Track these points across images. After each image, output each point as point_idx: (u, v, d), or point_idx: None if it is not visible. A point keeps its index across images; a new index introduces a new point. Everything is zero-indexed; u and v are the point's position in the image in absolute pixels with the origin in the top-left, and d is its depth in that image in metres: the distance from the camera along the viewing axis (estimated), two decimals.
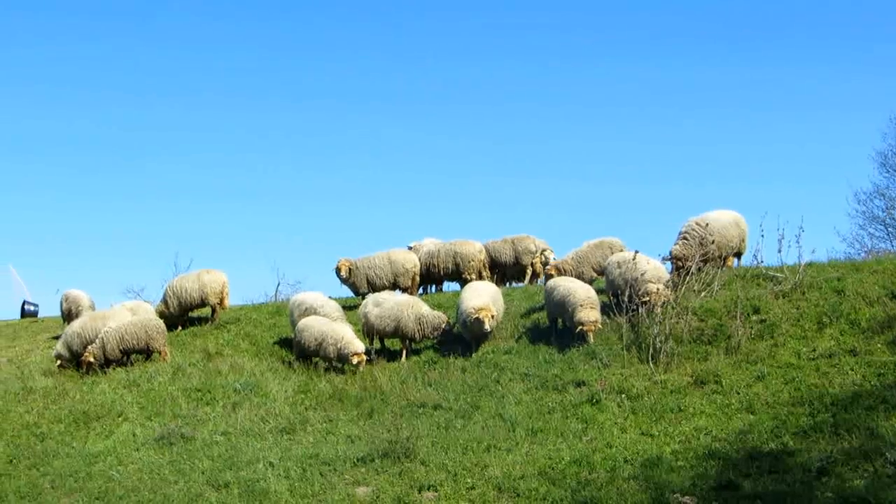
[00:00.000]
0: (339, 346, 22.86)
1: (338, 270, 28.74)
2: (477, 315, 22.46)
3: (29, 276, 44.53)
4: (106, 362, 25.27)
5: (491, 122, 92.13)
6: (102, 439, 21.04)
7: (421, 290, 29.79)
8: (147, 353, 25.59)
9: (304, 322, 24.18)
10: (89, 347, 25.44)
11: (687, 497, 14.23)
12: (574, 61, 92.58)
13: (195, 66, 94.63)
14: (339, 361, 22.91)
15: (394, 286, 28.34)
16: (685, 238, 24.16)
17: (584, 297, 22.20)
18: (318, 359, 23.80)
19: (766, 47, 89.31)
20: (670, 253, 24.09)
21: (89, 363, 25.20)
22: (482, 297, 23.19)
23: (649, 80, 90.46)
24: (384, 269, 28.44)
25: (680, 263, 23.85)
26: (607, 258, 24.98)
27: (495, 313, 23.04)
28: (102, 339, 25.33)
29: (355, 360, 22.70)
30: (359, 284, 28.66)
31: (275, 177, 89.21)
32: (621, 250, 25.42)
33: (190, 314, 29.41)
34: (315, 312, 24.97)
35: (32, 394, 24.18)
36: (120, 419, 21.93)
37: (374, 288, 28.19)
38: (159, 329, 25.72)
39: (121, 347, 25.29)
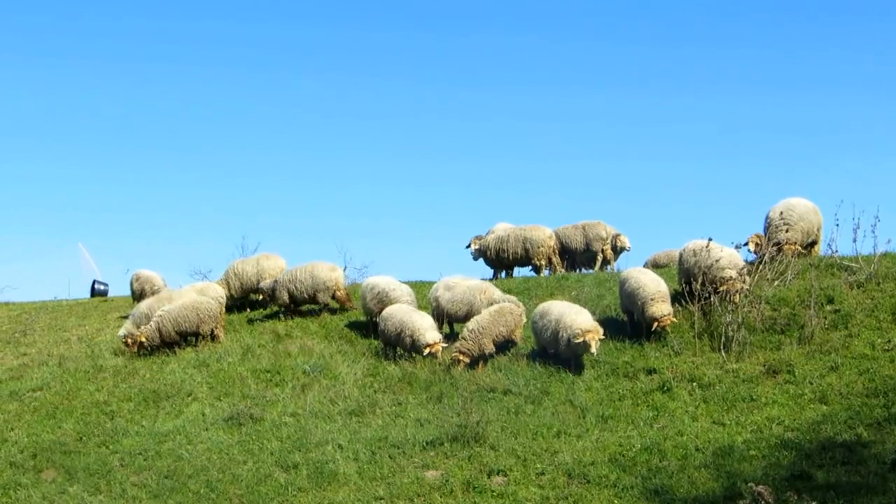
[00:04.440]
0: (414, 336, 22.71)
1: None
2: (584, 337, 20.29)
3: (98, 255, 44.90)
4: (165, 344, 25.41)
5: (569, 107, 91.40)
6: (172, 418, 21.20)
7: (492, 275, 29.74)
8: (210, 335, 25.70)
9: (388, 311, 23.91)
10: (142, 328, 25.64)
11: (761, 486, 14.05)
12: (650, 44, 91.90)
13: (270, 44, 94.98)
14: (415, 352, 22.69)
15: (313, 300, 27.66)
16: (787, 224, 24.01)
17: (654, 291, 21.60)
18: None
19: (841, 32, 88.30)
20: (779, 238, 23.90)
21: (140, 343, 25.35)
22: (585, 315, 21.06)
23: (721, 63, 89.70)
24: (305, 284, 27.54)
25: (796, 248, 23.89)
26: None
27: (602, 335, 20.82)
28: (158, 322, 25.47)
29: (426, 351, 22.35)
30: (279, 297, 27.80)
31: (345, 161, 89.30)
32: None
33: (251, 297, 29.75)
34: (387, 296, 24.86)
35: (102, 372, 24.46)
36: (189, 399, 22.10)
37: (295, 302, 27.68)
38: (210, 312, 25.74)
39: (176, 330, 25.44)
